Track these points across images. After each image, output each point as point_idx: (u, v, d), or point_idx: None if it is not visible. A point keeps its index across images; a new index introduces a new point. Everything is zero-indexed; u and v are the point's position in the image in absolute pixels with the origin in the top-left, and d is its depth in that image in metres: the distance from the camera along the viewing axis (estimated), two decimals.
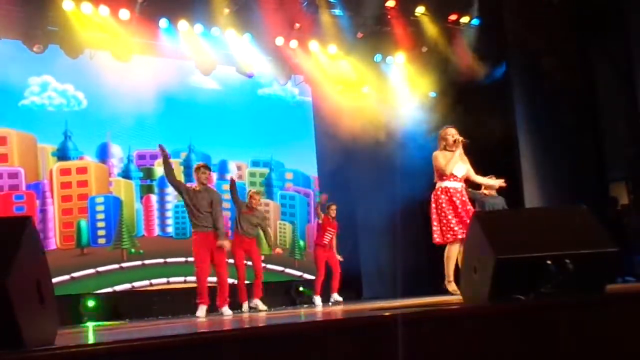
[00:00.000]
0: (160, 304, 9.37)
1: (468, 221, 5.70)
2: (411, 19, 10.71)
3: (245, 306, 8.38)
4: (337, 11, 10.41)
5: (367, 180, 11.04)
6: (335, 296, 9.49)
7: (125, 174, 10.05)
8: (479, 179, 6.41)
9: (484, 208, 8.16)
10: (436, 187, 6.07)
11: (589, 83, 10.79)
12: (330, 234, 9.50)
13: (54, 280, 8.65)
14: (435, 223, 6.00)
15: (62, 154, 9.47)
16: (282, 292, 10.71)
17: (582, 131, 10.63)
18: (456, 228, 5.86)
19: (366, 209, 10.83)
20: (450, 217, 5.89)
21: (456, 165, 5.99)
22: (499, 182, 6.80)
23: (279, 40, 10.44)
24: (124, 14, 9.12)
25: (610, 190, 10.52)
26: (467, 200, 6.07)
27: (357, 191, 10.92)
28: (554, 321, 3.09)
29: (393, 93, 11.59)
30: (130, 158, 10.06)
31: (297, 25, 10.29)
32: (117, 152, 9.99)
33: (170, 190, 9.90)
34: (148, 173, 10.33)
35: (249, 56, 10.57)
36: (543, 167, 10.46)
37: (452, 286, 5.94)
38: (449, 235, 5.91)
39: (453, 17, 10.82)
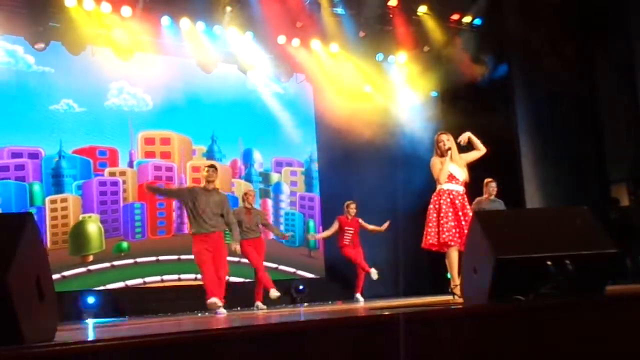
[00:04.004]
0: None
1: (464, 225, 5.68)
2: (413, 19, 10.71)
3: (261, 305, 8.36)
4: (339, 10, 10.41)
5: (369, 178, 11.04)
6: (373, 271, 9.39)
7: (247, 177, 11.02)
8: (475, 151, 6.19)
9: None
10: (437, 189, 5.99)
11: (590, 83, 10.78)
12: (350, 233, 9.45)
13: (165, 258, 9.73)
14: (430, 225, 5.91)
15: (209, 155, 10.64)
16: (282, 291, 10.69)
17: (583, 132, 10.62)
18: (445, 235, 5.76)
19: (367, 207, 10.82)
20: (443, 221, 5.77)
21: (448, 172, 5.91)
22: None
23: (281, 39, 10.44)
24: (126, 11, 9.13)
25: (611, 191, 10.51)
26: (467, 204, 5.97)
27: (358, 190, 10.92)
28: (554, 322, 3.09)
29: (394, 92, 11.59)
30: (252, 162, 11.07)
31: (299, 23, 10.29)
32: (258, 157, 11.16)
33: (284, 197, 11.32)
34: (266, 178, 11.26)
35: (250, 54, 10.58)
36: (544, 167, 10.46)
37: (458, 290, 5.85)
38: (429, 237, 5.83)
39: (455, 16, 10.82)
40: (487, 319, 3.04)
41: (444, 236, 5.76)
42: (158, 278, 9.78)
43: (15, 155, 9.07)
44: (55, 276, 8.70)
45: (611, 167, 10.56)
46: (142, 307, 9.15)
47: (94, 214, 9.49)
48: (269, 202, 11.23)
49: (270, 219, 10.74)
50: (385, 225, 9.63)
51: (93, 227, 9.45)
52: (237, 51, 10.46)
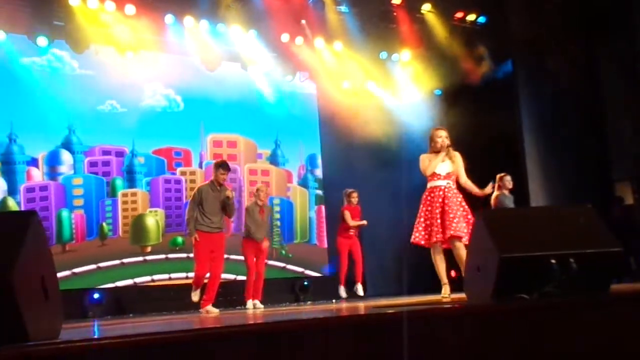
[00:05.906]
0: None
1: (450, 218, 5.66)
2: (417, 16, 10.70)
3: (249, 304, 8.33)
4: (343, 8, 10.40)
5: (372, 176, 11.02)
6: (359, 287, 9.29)
7: (304, 183, 11.43)
8: (467, 184, 5.96)
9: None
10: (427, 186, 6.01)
11: (594, 82, 10.76)
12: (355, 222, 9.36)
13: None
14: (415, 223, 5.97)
15: (273, 160, 11.25)
16: (286, 290, 10.70)
17: (588, 130, 10.60)
18: (423, 232, 5.80)
19: (370, 206, 10.82)
20: (422, 219, 5.84)
21: (438, 166, 5.85)
22: (485, 192, 5.98)
23: (285, 37, 10.43)
24: (130, 9, 9.14)
25: (615, 189, 10.49)
26: (456, 197, 5.81)
27: (362, 188, 10.90)
28: (557, 321, 3.08)
29: (398, 90, 11.58)
30: (312, 168, 11.51)
31: (303, 21, 10.29)
32: (321, 163, 11.61)
33: None
34: (322, 184, 11.54)
35: (254, 52, 10.57)
36: (548, 166, 10.44)
37: (445, 289, 5.89)
38: (416, 235, 5.87)
39: (459, 14, 10.80)
40: (491, 318, 3.04)
41: (412, 237, 5.85)
42: None
43: (105, 152, 10.00)
44: (114, 262, 9.63)
45: (615, 165, 10.55)
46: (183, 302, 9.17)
47: (160, 209, 10.19)
48: (324, 209, 11.43)
49: (325, 227, 11.16)
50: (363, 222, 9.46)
51: (151, 220, 10.14)
52: (241, 49, 10.46)
